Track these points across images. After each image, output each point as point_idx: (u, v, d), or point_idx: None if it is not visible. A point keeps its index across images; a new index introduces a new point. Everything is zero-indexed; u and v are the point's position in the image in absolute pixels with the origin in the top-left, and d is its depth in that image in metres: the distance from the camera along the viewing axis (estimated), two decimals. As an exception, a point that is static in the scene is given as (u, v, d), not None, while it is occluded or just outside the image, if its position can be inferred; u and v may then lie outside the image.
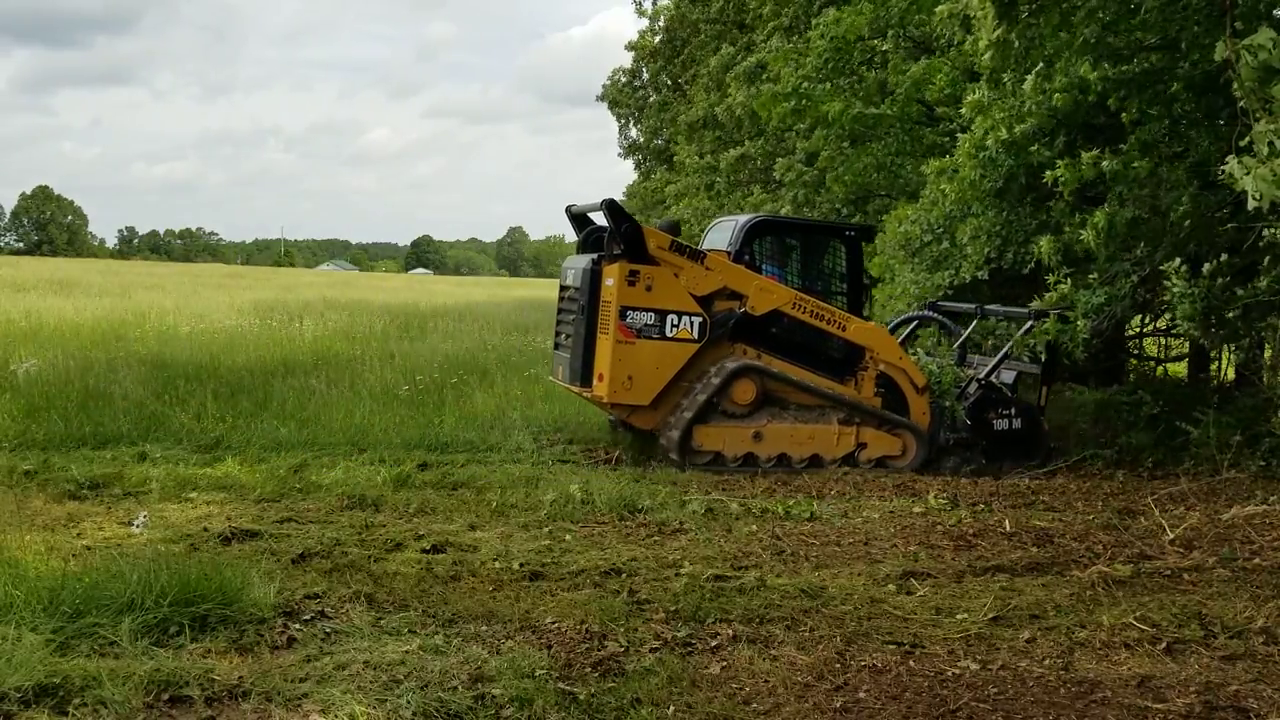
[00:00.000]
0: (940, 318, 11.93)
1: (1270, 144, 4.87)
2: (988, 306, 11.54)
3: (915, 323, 12.18)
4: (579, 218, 10.96)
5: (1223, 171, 5.33)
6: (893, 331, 11.59)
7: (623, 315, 9.51)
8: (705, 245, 10.80)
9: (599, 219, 10.51)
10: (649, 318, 9.58)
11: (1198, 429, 9.68)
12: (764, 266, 10.60)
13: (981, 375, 10.65)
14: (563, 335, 10.48)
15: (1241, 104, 5.21)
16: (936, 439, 10.22)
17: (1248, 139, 5.14)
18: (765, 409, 9.79)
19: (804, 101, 14.81)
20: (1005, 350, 10.92)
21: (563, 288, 10.62)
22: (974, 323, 11.59)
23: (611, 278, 9.63)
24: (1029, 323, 10.44)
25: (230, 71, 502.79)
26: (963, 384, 10.61)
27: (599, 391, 9.69)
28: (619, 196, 41.10)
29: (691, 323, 9.66)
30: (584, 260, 10.08)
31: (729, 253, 10.35)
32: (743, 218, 10.92)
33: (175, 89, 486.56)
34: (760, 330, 10.00)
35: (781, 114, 15.23)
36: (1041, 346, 10.23)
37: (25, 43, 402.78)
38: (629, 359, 9.51)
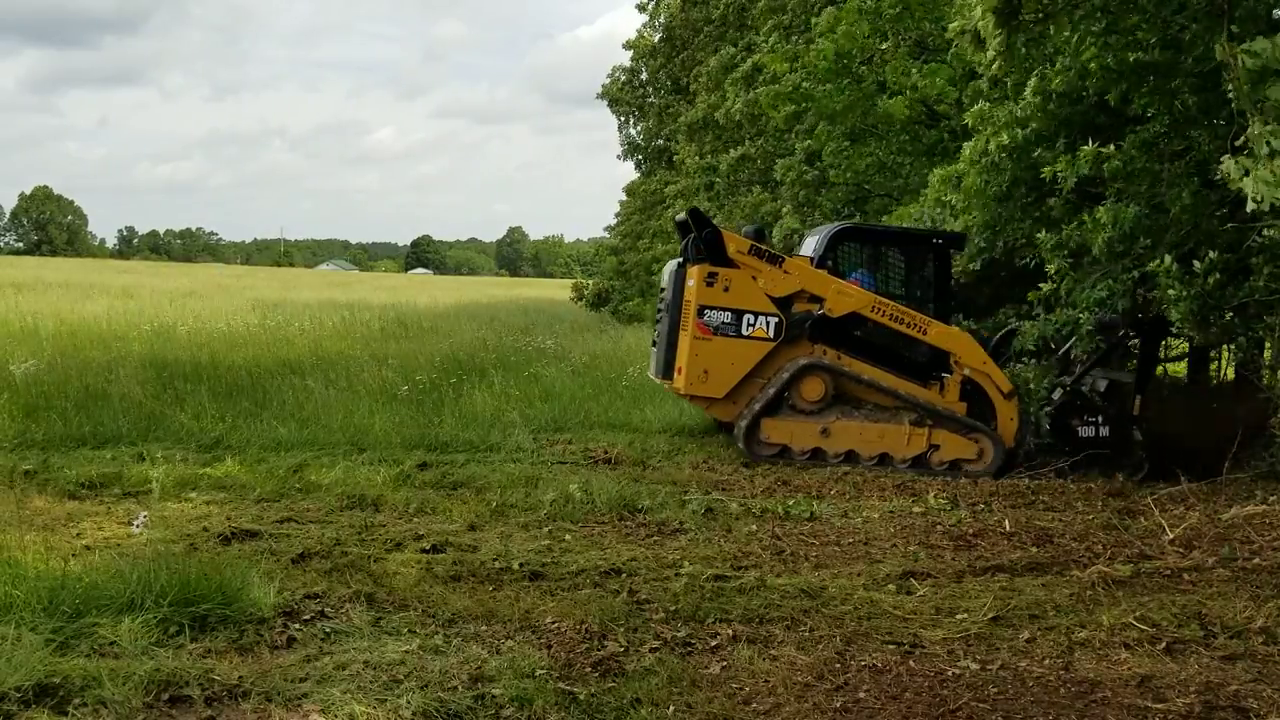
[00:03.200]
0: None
1: (1268, 144, 4.88)
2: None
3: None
4: (681, 226, 11.68)
5: (1219, 169, 5.35)
6: (1002, 340, 11.66)
7: (700, 313, 10.13)
8: (801, 252, 11.28)
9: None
10: (726, 316, 10.16)
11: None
12: (851, 272, 10.96)
13: (1070, 381, 10.61)
14: (656, 333, 11.13)
15: (1234, 104, 5.22)
16: (1022, 445, 10.28)
17: (1243, 139, 5.15)
18: (836, 406, 10.17)
19: (805, 102, 14.88)
20: (1097, 357, 10.79)
21: (660, 290, 11.36)
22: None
23: (693, 279, 10.27)
24: (1120, 331, 10.37)
25: (240, 72, 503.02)
26: (1049, 390, 10.58)
27: (677, 384, 10.34)
28: (620, 196, 41.12)
29: (767, 322, 10.18)
30: (674, 264, 10.79)
31: (812, 258, 10.76)
32: (830, 226, 11.33)
33: (184, 89, 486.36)
34: (841, 332, 10.40)
35: (785, 115, 15.34)
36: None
37: (34, 43, 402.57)
38: (705, 354, 10.14)
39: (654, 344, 11.27)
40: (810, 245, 11.25)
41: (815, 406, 10.15)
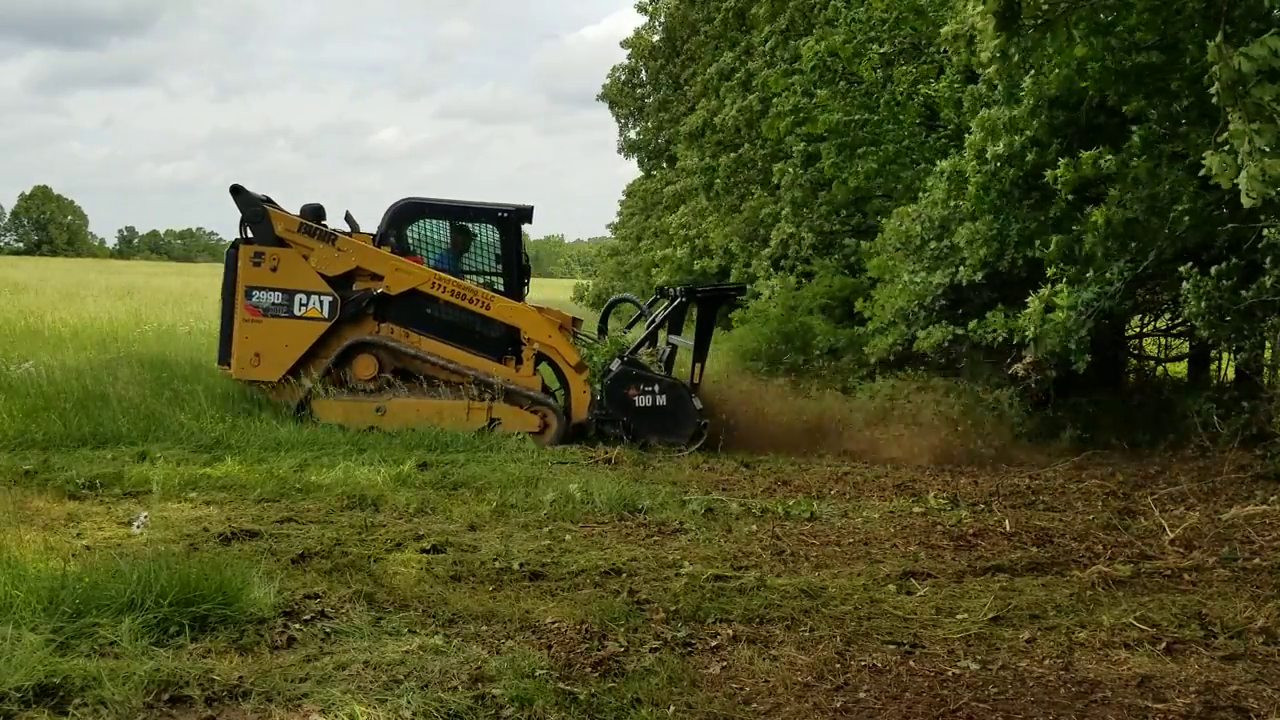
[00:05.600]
0: (634, 299, 12.68)
1: (1250, 142, 4.90)
2: (669, 287, 12.20)
3: (637, 307, 12.88)
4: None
5: (1203, 164, 5.40)
6: (608, 312, 12.47)
7: (248, 295, 10.08)
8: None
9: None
10: (276, 297, 10.12)
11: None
12: (415, 248, 10.98)
13: (627, 351, 11.08)
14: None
15: (1216, 102, 5.26)
16: (589, 416, 10.62)
17: (1225, 135, 5.19)
18: (397, 384, 10.28)
19: (801, 114, 15.01)
20: (651, 328, 11.36)
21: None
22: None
23: (242, 259, 10.15)
24: (677, 300, 11.14)
25: (245, 73, 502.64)
26: (608, 361, 11.06)
27: (232, 368, 10.26)
28: (620, 196, 41.07)
29: (321, 302, 10.16)
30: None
31: (374, 235, 10.75)
32: (395, 202, 11.28)
33: (191, 90, 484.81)
34: (407, 310, 10.44)
35: (785, 127, 15.50)
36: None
37: (39, 44, 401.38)
38: (256, 337, 10.11)
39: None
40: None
41: (370, 385, 10.19)
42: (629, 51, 33.59)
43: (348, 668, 4.24)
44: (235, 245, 10.38)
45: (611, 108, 35.82)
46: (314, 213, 10.73)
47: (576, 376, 10.70)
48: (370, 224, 11.18)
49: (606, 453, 9.89)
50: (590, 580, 5.70)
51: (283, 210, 10.49)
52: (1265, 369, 10.64)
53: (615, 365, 10.85)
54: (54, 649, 4.16)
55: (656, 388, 10.73)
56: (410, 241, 11.06)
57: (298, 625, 4.72)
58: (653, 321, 11.68)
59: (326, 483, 7.97)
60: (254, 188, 10.62)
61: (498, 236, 11.26)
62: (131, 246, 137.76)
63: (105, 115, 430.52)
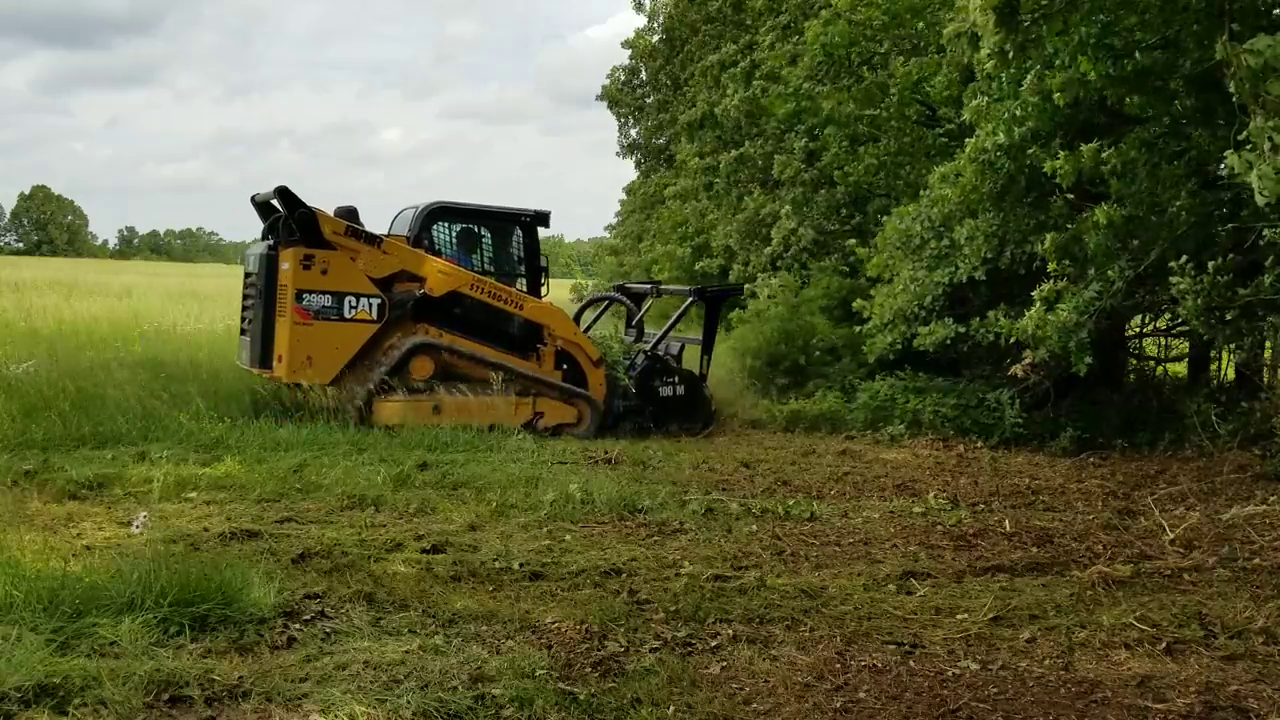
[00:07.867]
0: (623, 298, 13.38)
1: (1270, 139, 4.90)
2: (663, 286, 13.27)
3: (607, 303, 13.79)
4: (263, 206, 11.23)
5: (1223, 166, 5.40)
6: (582, 311, 13.20)
7: (299, 298, 10.09)
8: (394, 232, 11.43)
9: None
10: (326, 300, 10.17)
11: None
12: (444, 250, 11.32)
13: (649, 347, 11.87)
14: (246, 320, 10.95)
15: (1236, 100, 5.26)
16: (612, 407, 11.20)
17: (1245, 134, 5.19)
18: (446, 383, 10.56)
19: (804, 102, 14.97)
20: (671, 324, 12.27)
21: (246, 274, 11.10)
22: (649, 301, 13.30)
23: (287, 262, 10.14)
24: (690, 299, 12.20)
25: (251, 73, 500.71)
26: (633, 356, 11.71)
27: (279, 372, 10.24)
28: (620, 196, 41.05)
29: (370, 304, 10.30)
30: (262, 246, 10.58)
31: (408, 238, 10.98)
32: (424, 205, 11.54)
33: (196, 91, 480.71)
34: (443, 310, 10.72)
35: (786, 114, 15.49)
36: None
37: (46, 44, 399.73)
38: (307, 340, 10.13)
39: (243, 333, 11.10)
40: (404, 224, 11.40)
41: (425, 385, 10.45)
42: (629, 52, 33.55)
43: (348, 668, 4.24)
44: (273, 248, 10.38)
45: (611, 108, 35.76)
46: (349, 214, 10.86)
47: (595, 370, 11.20)
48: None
49: (606, 452, 9.89)
50: (590, 580, 5.70)
51: (328, 213, 10.58)
52: (1265, 368, 10.64)
53: (640, 360, 11.54)
54: (54, 649, 4.15)
55: (677, 379, 11.59)
56: (440, 243, 11.41)
57: (298, 625, 4.72)
58: (638, 320, 12.54)
59: (326, 483, 7.96)
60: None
61: (520, 238, 11.75)
62: (132, 246, 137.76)
63: (110, 116, 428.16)
